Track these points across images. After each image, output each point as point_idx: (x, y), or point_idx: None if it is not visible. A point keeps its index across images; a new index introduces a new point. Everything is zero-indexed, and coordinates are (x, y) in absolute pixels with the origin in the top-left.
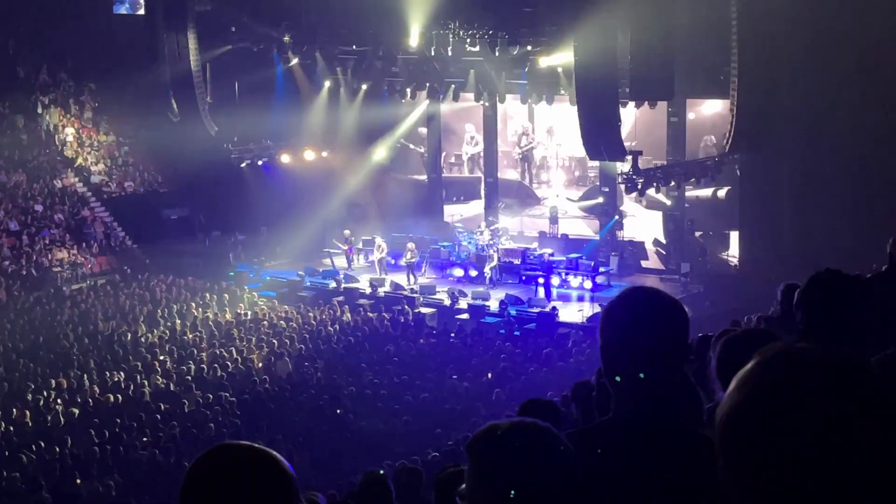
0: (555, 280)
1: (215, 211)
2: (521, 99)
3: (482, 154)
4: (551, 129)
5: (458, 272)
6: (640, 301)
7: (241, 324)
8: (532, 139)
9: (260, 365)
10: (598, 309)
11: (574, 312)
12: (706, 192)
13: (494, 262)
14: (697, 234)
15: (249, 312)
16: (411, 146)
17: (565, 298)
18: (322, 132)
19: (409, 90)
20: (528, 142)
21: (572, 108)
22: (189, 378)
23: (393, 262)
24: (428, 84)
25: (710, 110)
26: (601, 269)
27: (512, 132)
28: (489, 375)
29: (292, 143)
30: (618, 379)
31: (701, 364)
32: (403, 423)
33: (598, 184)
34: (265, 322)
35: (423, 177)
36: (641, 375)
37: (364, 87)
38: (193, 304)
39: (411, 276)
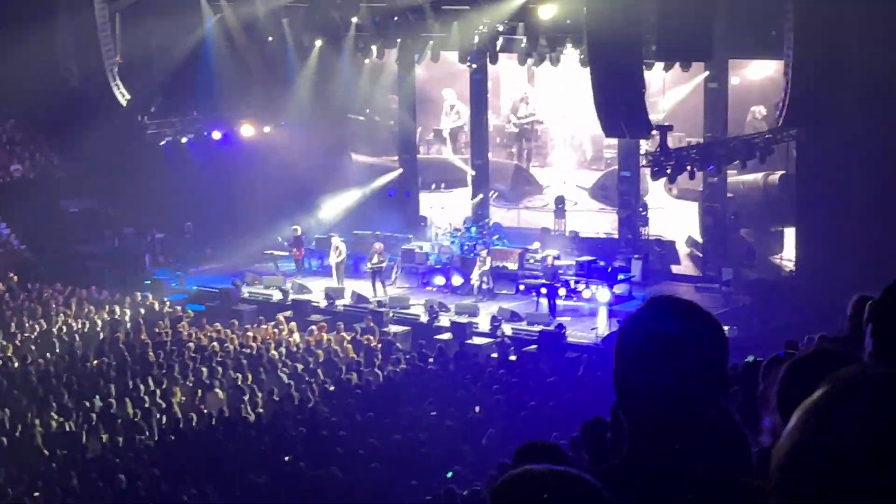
0: (561, 290)
1: (127, 202)
2: (518, 59)
3: (467, 129)
4: (556, 98)
5: (439, 280)
6: (665, 315)
7: (159, 346)
8: (533, 110)
9: (184, 399)
10: (616, 327)
11: (586, 331)
12: (754, 178)
13: (485, 267)
14: (743, 231)
15: (171, 332)
16: (377, 119)
17: (575, 313)
18: (264, 102)
19: (374, 48)
20: (527, 113)
21: (583, 72)
22: (93, 416)
23: (355, 267)
24: (399, 40)
25: (758, 74)
26: (620, 276)
27: (507, 102)
28: (477, 410)
29: (226, 115)
30: (635, 415)
31: (748, 396)
32: (369, 472)
33: (616, 167)
34: (191, 344)
35: (394, 158)
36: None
37: (318, 44)
38: (99, 322)
39: (378, 286)
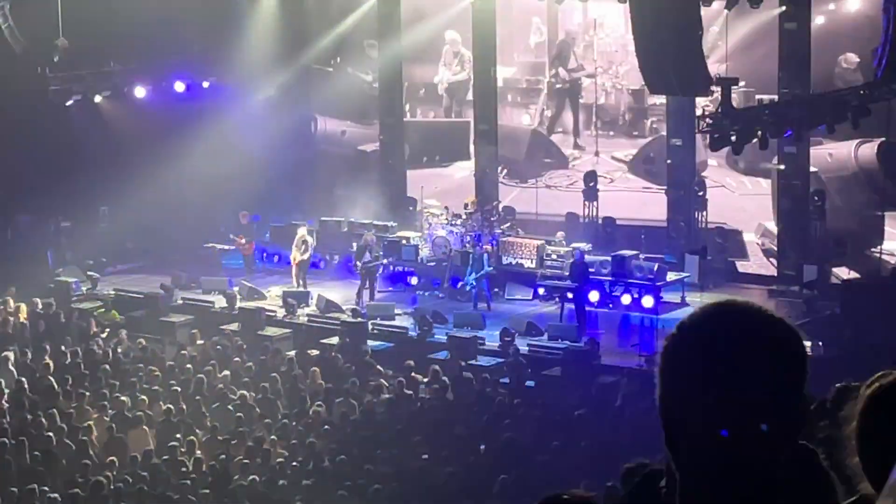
0: (593, 295)
1: (24, 181)
2: None
3: (469, 82)
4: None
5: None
6: (730, 326)
7: (66, 369)
8: (579, 61)
9: (100, 438)
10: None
11: (625, 349)
12: (844, 148)
13: (488, 268)
14: (830, 217)
15: (80, 349)
16: (351, 71)
17: (611, 325)
18: (201, 48)
19: None
20: (577, 64)
21: (620, 7)
22: None
23: (323, 265)
24: None
25: (849, 11)
26: (670, 277)
27: (523, 49)
28: (482, 449)
29: (152, 66)
30: (688, 458)
31: (835, 430)
32: None
33: (663, 134)
34: (107, 367)
35: (373, 123)
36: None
37: None
38: None
39: (364, 291)
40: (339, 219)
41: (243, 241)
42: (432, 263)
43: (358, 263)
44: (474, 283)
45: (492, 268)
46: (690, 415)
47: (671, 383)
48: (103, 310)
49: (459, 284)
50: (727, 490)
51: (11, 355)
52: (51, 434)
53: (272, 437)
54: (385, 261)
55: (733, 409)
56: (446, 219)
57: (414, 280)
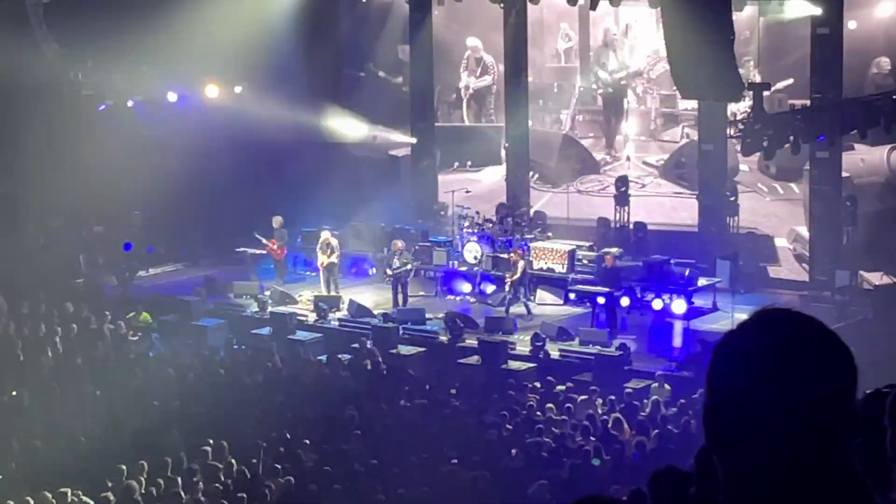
0: (624, 300)
1: (55, 185)
2: None
3: (493, 88)
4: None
5: (465, 287)
6: (778, 333)
7: (98, 373)
8: (625, 60)
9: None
10: (698, 348)
11: (656, 354)
12: (877, 153)
13: (516, 275)
14: (863, 222)
15: (113, 353)
16: (382, 75)
17: (642, 330)
18: (234, 55)
19: None
20: (620, 65)
21: (652, 13)
22: None
23: (354, 270)
24: None
25: (884, 14)
26: (701, 282)
27: (553, 54)
28: (513, 453)
29: (184, 72)
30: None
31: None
32: None
33: (695, 138)
34: (137, 371)
35: (404, 127)
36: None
37: None
38: (19, 342)
39: (400, 296)
40: (369, 223)
41: (275, 245)
42: (463, 269)
43: (388, 271)
44: (509, 289)
45: (519, 274)
46: (739, 422)
47: (719, 390)
48: (133, 314)
49: (491, 289)
50: (770, 496)
51: (43, 360)
52: (82, 437)
53: (306, 440)
54: (412, 266)
55: (783, 417)
56: (477, 224)
57: (465, 286)
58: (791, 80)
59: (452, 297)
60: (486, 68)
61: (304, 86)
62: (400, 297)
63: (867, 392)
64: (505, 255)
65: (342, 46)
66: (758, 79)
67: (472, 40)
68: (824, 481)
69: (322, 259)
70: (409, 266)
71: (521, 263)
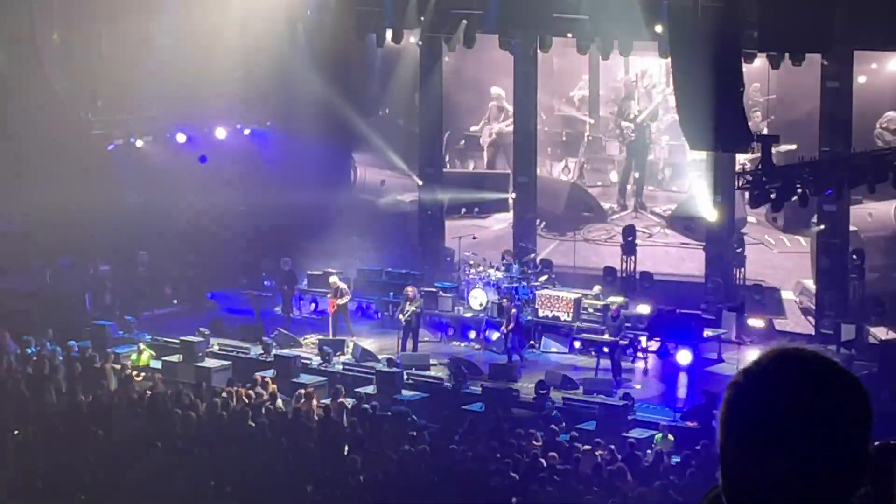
0: (629, 349)
1: (63, 223)
2: (579, 45)
3: (504, 132)
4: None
5: (471, 334)
6: (798, 377)
7: (101, 413)
8: (643, 106)
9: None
10: (703, 399)
11: (660, 404)
12: (885, 208)
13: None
14: (869, 276)
15: (117, 396)
16: (402, 123)
17: (647, 380)
18: (242, 95)
19: (389, 29)
20: (638, 110)
21: (661, 63)
22: None
23: (359, 313)
24: (423, 17)
25: (893, 70)
26: (707, 333)
27: (564, 102)
28: (514, 502)
29: (193, 112)
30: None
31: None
32: None
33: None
34: (139, 409)
35: (413, 172)
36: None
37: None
38: (23, 381)
39: (410, 342)
40: (376, 268)
41: (284, 287)
42: (469, 315)
43: (400, 316)
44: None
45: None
46: (753, 462)
47: (734, 434)
48: (136, 356)
49: (496, 336)
50: None
51: (46, 398)
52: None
53: (307, 486)
54: (417, 310)
55: (799, 457)
56: (484, 270)
57: (472, 334)
58: (794, 146)
59: (457, 343)
60: (508, 117)
61: (315, 129)
62: (410, 342)
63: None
64: (512, 304)
65: (355, 90)
66: (766, 130)
67: (496, 89)
68: None
69: (332, 302)
70: (417, 310)
71: (512, 311)
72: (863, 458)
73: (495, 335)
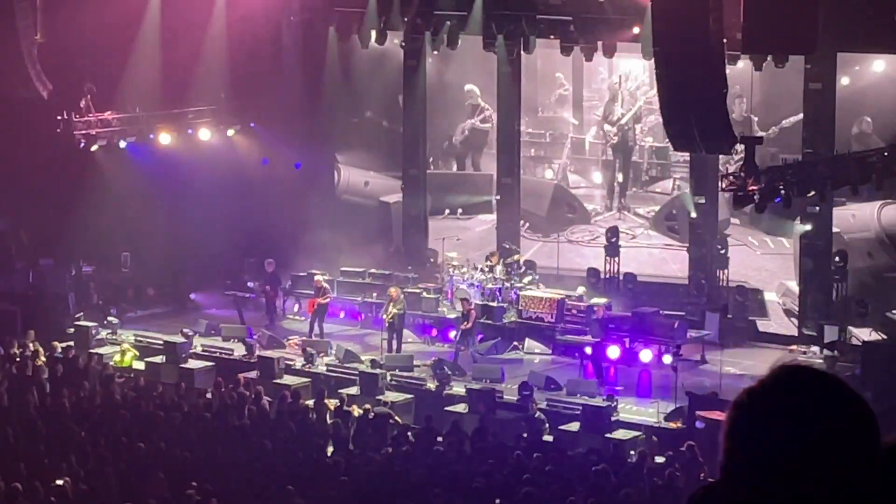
0: (612, 351)
1: (46, 225)
2: (562, 46)
3: (488, 133)
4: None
5: (451, 334)
6: (803, 396)
7: (84, 413)
8: (628, 107)
9: (113, 483)
10: (686, 401)
11: (644, 406)
12: (868, 209)
13: (470, 322)
14: (852, 277)
15: (100, 396)
16: (386, 125)
17: (630, 382)
18: (225, 95)
19: (373, 31)
20: (622, 113)
21: (646, 66)
22: None
23: (342, 315)
24: (406, 19)
25: (875, 71)
26: (690, 335)
27: (547, 103)
28: (497, 503)
29: (177, 113)
30: None
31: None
32: None
33: (686, 191)
34: (122, 410)
35: (396, 173)
36: None
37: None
38: (5, 382)
39: (394, 342)
40: (359, 269)
41: (267, 288)
42: (452, 317)
43: (384, 316)
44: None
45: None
46: (761, 478)
47: (741, 453)
48: (119, 357)
49: (452, 335)
50: None
51: (29, 399)
52: (68, 479)
53: (289, 485)
54: (401, 311)
55: (806, 473)
56: (467, 272)
57: (452, 334)
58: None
59: (441, 344)
60: (482, 113)
61: (298, 130)
62: (394, 343)
63: None
64: (493, 304)
65: (338, 91)
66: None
67: (469, 86)
68: None
69: (313, 302)
70: (401, 311)
71: (472, 313)
72: (871, 478)
73: (452, 333)
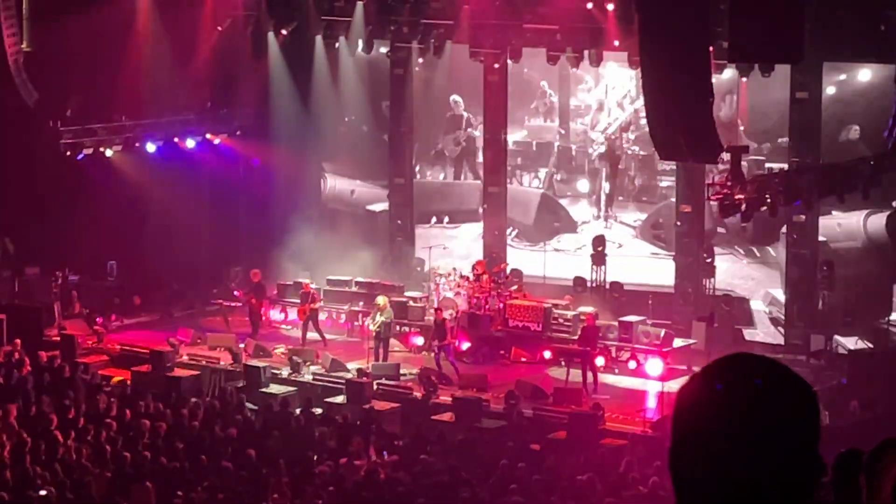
0: (599, 359)
1: (32, 233)
2: (548, 54)
3: (475, 144)
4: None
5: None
6: (742, 380)
7: (69, 422)
8: (615, 117)
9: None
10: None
11: (630, 414)
12: (854, 218)
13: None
14: (838, 287)
15: (84, 403)
16: (366, 129)
17: (617, 388)
18: (212, 104)
19: (361, 40)
20: (610, 121)
21: (632, 74)
22: None
23: (329, 323)
24: (393, 28)
25: (861, 80)
26: (677, 343)
27: (532, 112)
28: None
29: (163, 121)
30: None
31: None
32: None
33: (672, 200)
34: (111, 422)
35: (382, 182)
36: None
37: (284, 32)
38: None
39: (381, 351)
40: (345, 278)
41: (253, 299)
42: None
43: (371, 325)
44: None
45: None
46: (704, 464)
47: (683, 438)
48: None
49: (466, 346)
50: None
51: (14, 408)
52: (52, 488)
53: (274, 495)
54: (388, 319)
55: (746, 458)
56: (454, 280)
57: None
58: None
59: (427, 353)
60: (470, 125)
61: (284, 139)
62: (381, 351)
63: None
64: (479, 313)
65: (325, 100)
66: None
67: (454, 97)
68: None
69: (303, 309)
70: (388, 319)
71: (447, 323)
72: (813, 460)
73: (465, 345)
